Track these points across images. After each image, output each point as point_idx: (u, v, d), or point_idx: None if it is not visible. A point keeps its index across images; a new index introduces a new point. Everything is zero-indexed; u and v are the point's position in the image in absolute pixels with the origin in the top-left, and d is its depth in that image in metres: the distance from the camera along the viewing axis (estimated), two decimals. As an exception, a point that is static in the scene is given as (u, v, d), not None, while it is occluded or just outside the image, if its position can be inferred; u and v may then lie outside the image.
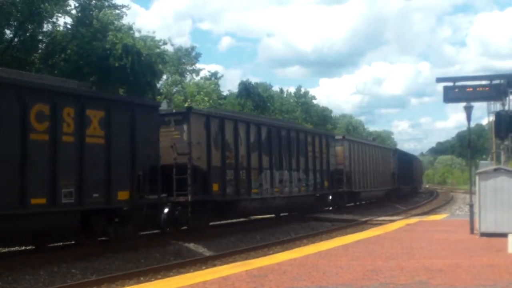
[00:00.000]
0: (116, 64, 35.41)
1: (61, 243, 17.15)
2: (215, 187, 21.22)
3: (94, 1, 38.63)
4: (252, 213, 26.03)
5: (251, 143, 23.83)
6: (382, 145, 55.68)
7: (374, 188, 42.36)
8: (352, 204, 38.46)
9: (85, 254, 15.98)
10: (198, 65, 66.99)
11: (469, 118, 18.60)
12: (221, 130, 21.86)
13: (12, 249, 16.52)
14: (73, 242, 17.22)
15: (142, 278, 13.46)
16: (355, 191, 37.27)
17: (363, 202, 41.42)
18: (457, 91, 19.82)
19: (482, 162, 26.17)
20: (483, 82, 20.24)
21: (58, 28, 38.73)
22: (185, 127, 20.31)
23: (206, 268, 14.27)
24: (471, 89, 19.79)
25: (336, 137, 36.10)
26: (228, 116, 23.39)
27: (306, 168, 28.93)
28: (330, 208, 34.05)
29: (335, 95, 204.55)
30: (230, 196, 22.18)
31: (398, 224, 23.08)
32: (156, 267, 14.88)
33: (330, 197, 33.79)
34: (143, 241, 18.03)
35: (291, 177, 27.31)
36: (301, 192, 28.37)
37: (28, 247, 16.83)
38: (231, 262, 15.22)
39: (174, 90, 53.94)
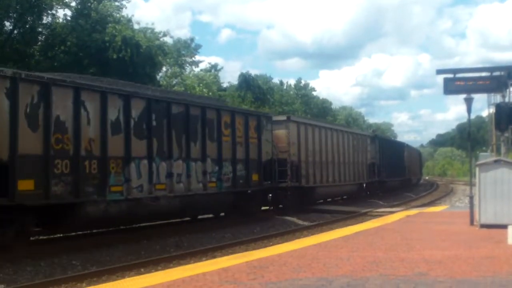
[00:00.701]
0: (115, 56, 35.40)
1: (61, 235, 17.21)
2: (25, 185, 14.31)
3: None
4: (110, 222, 18.10)
5: (111, 123, 16.87)
6: (354, 130, 44.95)
7: (339, 183, 34.31)
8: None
9: (86, 245, 16.05)
10: (198, 57, 66.97)
11: (469, 110, 18.60)
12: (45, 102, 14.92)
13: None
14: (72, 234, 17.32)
15: (142, 270, 13.49)
16: (306, 186, 29.36)
17: (321, 201, 33.46)
18: (457, 83, 19.80)
19: (482, 153, 26.21)
20: (484, 74, 20.22)
21: (57, 20, 38.72)
22: None
23: (207, 259, 14.29)
24: (471, 81, 19.77)
25: (277, 118, 28.48)
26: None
27: (218, 158, 21.78)
28: (267, 208, 27.48)
29: (335, 87, 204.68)
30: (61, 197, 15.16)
31: (398, 215, 23.11)
32: (157, 258, 14.90)
33: (364, 185, 34.52)
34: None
35: (189, 169, 20.14)
36: (209, 189, 20.95)
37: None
38: (231, 253, 15.25)
39: (174, 82, 53.90)
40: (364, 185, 39.90)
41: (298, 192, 27.87)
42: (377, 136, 46.12)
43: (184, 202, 19.87)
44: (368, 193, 42.09)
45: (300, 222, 24.57)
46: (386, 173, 44.32)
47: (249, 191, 23.92)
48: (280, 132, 27.00)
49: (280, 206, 27.30)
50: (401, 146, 59.26)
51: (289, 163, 26.79)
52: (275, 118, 27.91)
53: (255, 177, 23.91)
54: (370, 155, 41.13)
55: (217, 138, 21.48)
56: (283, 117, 28.93)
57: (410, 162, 58.83)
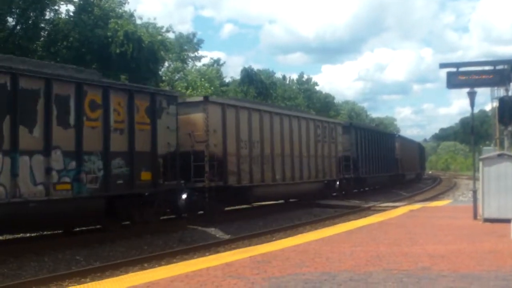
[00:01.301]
0: (118, 51, 35.38)
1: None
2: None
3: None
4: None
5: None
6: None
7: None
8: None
9: (89, 241, 16.08)
10: (200, 52, 66.80)
11: (472, 104, 18.56)
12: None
13: (17, 236, 16.60)
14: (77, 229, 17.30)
15: (146, 265, 13.53)
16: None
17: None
18: (460, 77, 19.74)
19: (485, 148, 26.15)
20: (487, 68, 20.15)
21: (60, 16, 38.70)
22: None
23: (210, 254, 14.32)
24: (474, 75, 19.71)
25: (191, 99, 25.29)
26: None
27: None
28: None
29: (337, 82, 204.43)
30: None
31: (401, 210, 23.10)
32: (160, 253, 14.95)
33: (338, 183, 33.53)
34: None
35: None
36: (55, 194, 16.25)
37: (32, 234, 16.93)
38: (235, 248, 15.28)
39: (176, 77, 53.84)
40: (337, 183, 34.20)
41: (225, 194, 22.19)
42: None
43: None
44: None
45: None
46: (366, 168, 39.24)
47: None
48: (197, 117, 21.49)
49: (200, 212, 21.59)
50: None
51: (207, 157, 21.07)
52: (189, 99, 23.98)
53: (145, 175, 18.08)
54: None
55: (75, 124, 15.82)
56: (199, 98, 23.19)
57: (404, 156, 52.73)
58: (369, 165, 39.68)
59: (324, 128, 31.70)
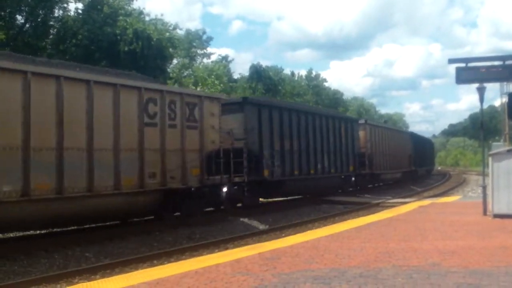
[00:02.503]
0: (126, 49, 35.47)
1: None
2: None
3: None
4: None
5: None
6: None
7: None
8: (371, 185, 39.63)
9: (99, 237, 16.16)
10: (209, 49, 66.84)
11: (481, 100, 18.46)
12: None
13: (27, 233, 16.70)
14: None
15: (155, 262, 13.57)
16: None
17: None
18: (469, 72, 19.65)
19: (495, 143, 25.97)
20: (496, 63, 20.04)
21: (69, 14, 38.82)
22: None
23: (219, 251, 14.32)
24: (484, 70, 19.61)
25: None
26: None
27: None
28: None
29: (346, 78, 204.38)
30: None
31: (410, 206, 23.03)
32: (169, 250, 14.98)
33: (353, 178, 35.10)
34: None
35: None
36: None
37: (42, 231, 17.02)
38: (244, 245, 15.27)
39: (185, 74, 53.89)
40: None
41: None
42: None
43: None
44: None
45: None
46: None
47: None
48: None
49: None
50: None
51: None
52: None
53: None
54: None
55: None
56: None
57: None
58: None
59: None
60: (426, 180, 57.54)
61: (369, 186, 39.15)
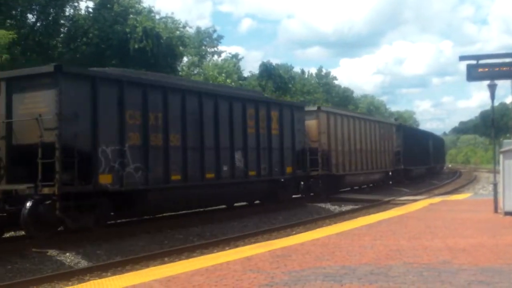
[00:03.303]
0: (136, 47, 35.55)
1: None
2: None
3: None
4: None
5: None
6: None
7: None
8: (333, 191, 30.28)
9: (109, 235, 16.22)
10: (219, 47, 66.81)
11: (492, 97, 18.38)
12: None
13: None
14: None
15: (166, 259, 13.61)
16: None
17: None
18: (480, 69, 19.56)
19: (506, 141, 25.86)
20: (507, 60, 19.94)
21: (79, 12, 38.97)
22: None
23: (230, 248, 14.35)
24: (495, 67, 19.50)
25: (308, 109, 29.30)
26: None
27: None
28: (390, 182, 36.78)
29: (356, 76, 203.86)
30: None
31: (421, 203, 22.98)
32: (180, 248, 15.02)
33: (390, 173, 36.61)
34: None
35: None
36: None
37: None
38: (254, 242, 15.30)
39: (195, 72, 53.96)
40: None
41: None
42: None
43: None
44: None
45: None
46: (409, 161, 45.01)
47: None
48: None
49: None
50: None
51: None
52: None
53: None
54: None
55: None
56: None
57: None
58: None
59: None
60: (429, 180, 52.20)
61: (332, 192, 29.85)
